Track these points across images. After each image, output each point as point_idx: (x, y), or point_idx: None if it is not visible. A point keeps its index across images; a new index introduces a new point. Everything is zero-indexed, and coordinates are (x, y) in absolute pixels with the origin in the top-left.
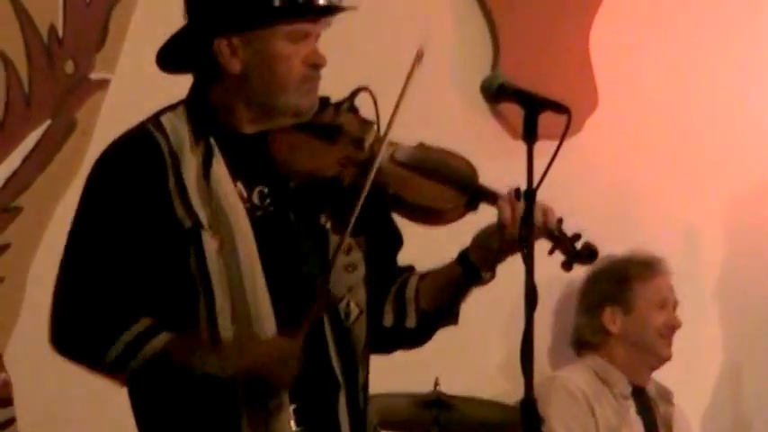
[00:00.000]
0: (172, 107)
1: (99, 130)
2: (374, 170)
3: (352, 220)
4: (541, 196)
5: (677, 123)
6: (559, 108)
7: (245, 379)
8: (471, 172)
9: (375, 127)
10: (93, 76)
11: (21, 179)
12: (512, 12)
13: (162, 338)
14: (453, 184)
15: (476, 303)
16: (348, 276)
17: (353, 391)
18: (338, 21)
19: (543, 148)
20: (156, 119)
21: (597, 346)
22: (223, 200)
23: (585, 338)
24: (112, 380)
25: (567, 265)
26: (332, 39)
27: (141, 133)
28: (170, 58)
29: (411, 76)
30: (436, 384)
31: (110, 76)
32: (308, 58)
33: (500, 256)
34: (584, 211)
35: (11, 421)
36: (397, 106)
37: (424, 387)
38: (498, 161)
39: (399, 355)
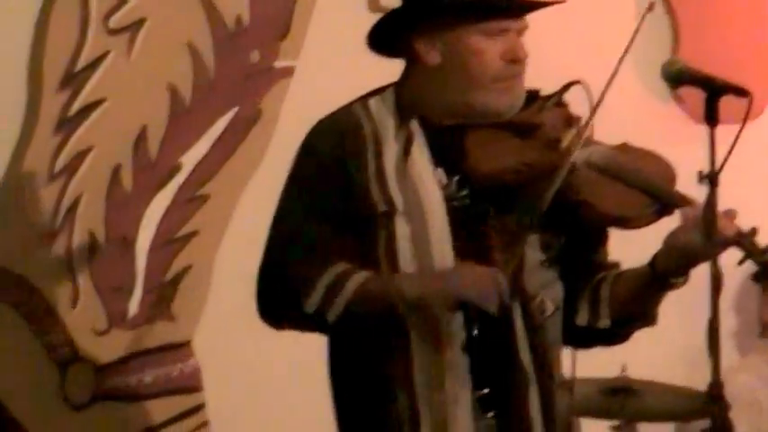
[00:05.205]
0: (380, 90)
1: (283, 118)
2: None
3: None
4: (722, 180)
5: None
6: (740, 92)
7: (457, 298)
8: (669, 179)
9: (578, 126)
10: (278, 64)
11: (208, 167)
12: None
13: (362, 275)
14: (647, 193)
15: None
16: (543, 273)
17: (545, 386)
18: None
19: (724, 133)
20: (364, 101)
21: None
22: (419, 185)
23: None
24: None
25: (757, 277)
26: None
27: (348, 114)
28: (380, 40)
29: (639, 28)
30: (623, 370)
31: (293, 63)
32: (506, 54)
33: (690, 261)
34: (766, 195)
35: (200, 407)
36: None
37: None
38: (680, 146)
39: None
